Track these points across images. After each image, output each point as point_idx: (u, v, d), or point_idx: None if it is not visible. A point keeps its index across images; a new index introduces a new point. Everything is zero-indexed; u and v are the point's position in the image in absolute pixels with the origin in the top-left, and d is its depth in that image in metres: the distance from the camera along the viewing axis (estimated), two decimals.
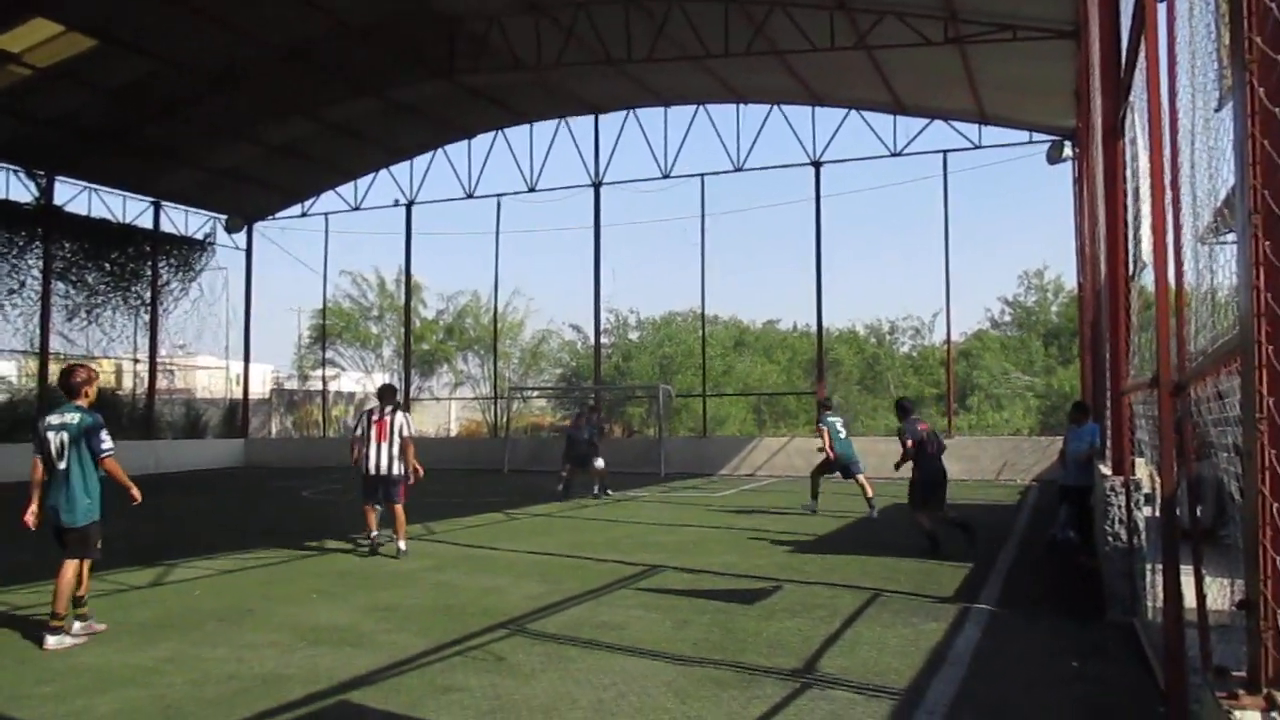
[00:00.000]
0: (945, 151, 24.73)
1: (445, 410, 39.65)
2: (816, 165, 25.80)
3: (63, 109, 23.01)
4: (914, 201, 61.95)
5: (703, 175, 27.10)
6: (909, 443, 11.11)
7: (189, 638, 6.90)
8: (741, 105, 26.26)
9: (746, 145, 26.37)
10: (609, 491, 18.39)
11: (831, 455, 15.14)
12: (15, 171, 25.23)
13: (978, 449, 23.90)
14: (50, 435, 6.87)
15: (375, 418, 11.11)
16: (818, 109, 25.74)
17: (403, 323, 34.34)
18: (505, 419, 30.32)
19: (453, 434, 38.35)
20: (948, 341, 26.53)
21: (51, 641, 6.64)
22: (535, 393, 38.24)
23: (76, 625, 6.89)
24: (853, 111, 25.29)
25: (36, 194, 25.76)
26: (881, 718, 5.07)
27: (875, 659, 6.20)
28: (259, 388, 36.24)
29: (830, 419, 15.58)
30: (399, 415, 11.21)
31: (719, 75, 24.01)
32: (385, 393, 11.54)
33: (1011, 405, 36.54)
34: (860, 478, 15.10)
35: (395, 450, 11.00)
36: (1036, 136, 24.00)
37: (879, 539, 12.30)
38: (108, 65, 21.53)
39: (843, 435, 15.44)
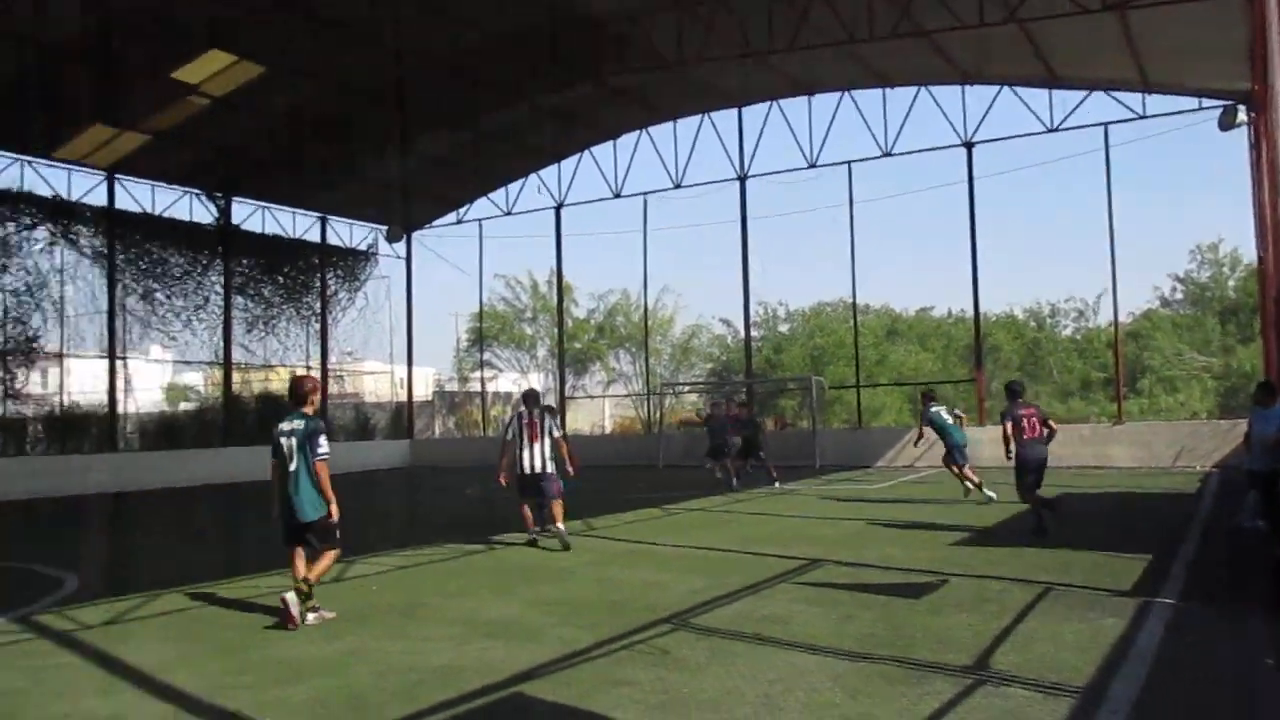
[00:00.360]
0: (1106, 124, 23.59)
1: (599, 408, 40.30)
2: (968, 146, 25.02)
3: (237, 134, 24.52)
4: (1074, 177, 59.25)
5: (850, 163, 26.68)
6: (1006, 426, 11.48)
7: (370, 631, 7.23)
8: (888, 89, 25.70)
9: (894, 130, 25.77)
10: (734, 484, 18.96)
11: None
12: (197, 195, 27.01)
13: (1151, 434, 22.75)
14: (282, 440, 7.65)
15: (526, 420, 11.64)
16: (968, 88, 24.96)
17: (556, 323, 35.07)
18: (658, 415, 30.60)
19: (607, 431, 38.95)
20: (1115, 323, 25.29)
21: (308, 618, 7.47)
22: (687, 388, 38.41)
23: (310, 617, 7.52)
24: (1005, 88, 24.43)
25: (216, 215, 27.55)
26: (1061, 716, 4.90)
27: (1051, 655, 6.00)
28: (422, 390, 37.67)
29: (934, 409, 15.77)
30: (548, 417, 11.78)
31: (864, 60, 23.58)
32: (530, 397, 12.12)
33: (1187, 387, 34.64)
34: (964, 469, 15.45)
35: (548, 450, 11.52)
36: (1206, 102, 22.59)
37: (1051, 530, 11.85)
38: (275, 90, 22.84)
39: (950, 422, 15.66)
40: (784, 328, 41.81)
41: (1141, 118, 23.28)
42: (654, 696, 5.33)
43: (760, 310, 39.80)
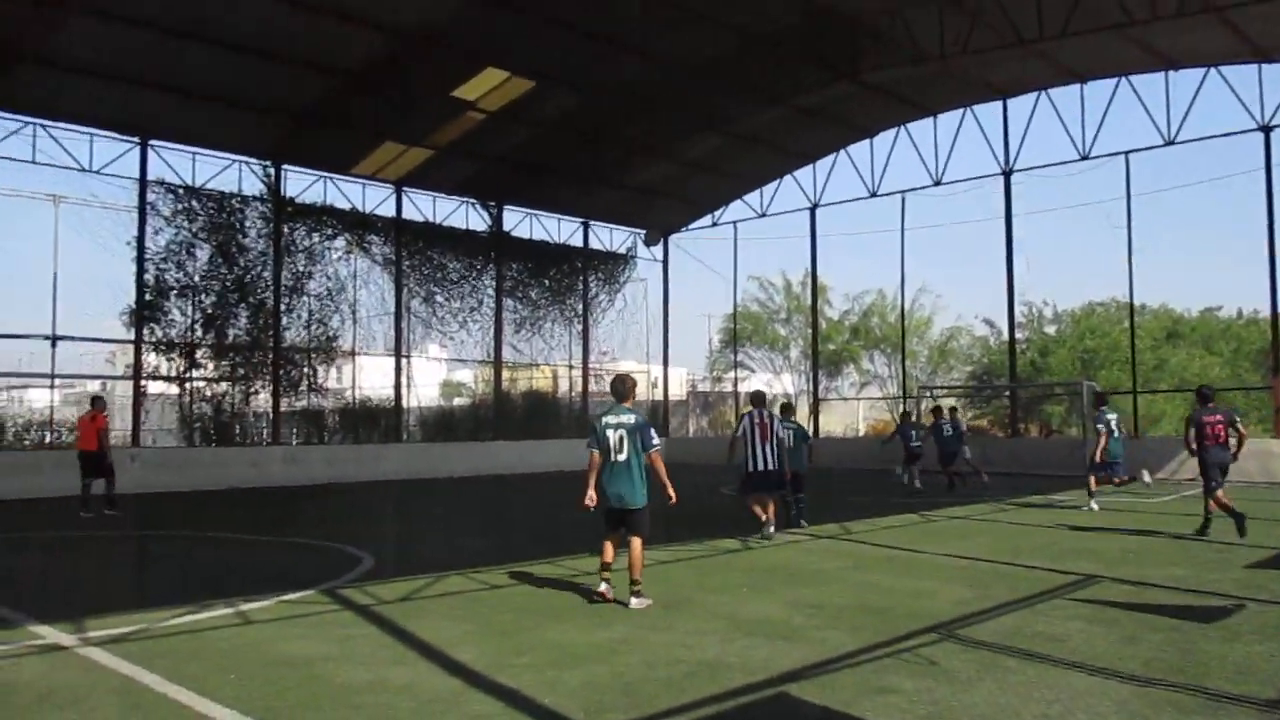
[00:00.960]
0: None
1: (853, 410, 39.72)
2: (1266, 130, 22.79)
3: (508, 145, 26.03)
4: None
5: (1127, 153, 24.94)
6: (1190, 431, 12.19)
7: (638, 622, 7.54)
8: (1171, 72, 23.80)
9: (1178, 116, 23.81)
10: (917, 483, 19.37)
11: (1100, 457, 15.26)
12: (473, 204, 28.90)
13: None
14: (609, 433, 8.19)
15: (757, 420, 12.56)
16: (1265, 67, 22.70)
17: (809, 324, 34.89)
18: (915, 418, 29.75)
19: (860, 433, 38.31)
20: None
21: (635, 603, 8.02)
22: (945, 391, 37.16)
23: (633, 601, 8.07)
24: None
25: (489, 222, 29.38)
26: None
27: None
28: (677, 390, 38.48)
29: (1107, 415, 15.34)
30: (777, 419, 12.80)
31: (1143, 42, 21.96)
32: (758, 398, 13.07)
33: None
34: (1116, 480, 15.43)
35: (779, 448, 12.52)
36: None
37: None
38: (543, 102, 24.08)
39: (1118, 435, 15.45)
40: (1050, 329, 39.62)
41: None
42: (921, 707, 5.27)
43: (1025, 311, 37.90)
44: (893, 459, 21.42)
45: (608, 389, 9.93)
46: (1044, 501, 17.00)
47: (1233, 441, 12.25)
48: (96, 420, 15.98)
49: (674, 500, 8.38)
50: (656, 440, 8.32)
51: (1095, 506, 15.45)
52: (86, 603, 8.47)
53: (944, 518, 15.09)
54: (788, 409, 14.53)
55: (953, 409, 22.77)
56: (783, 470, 12.63)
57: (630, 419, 8.24)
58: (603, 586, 8.24)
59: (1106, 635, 6.86)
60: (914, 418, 21.32)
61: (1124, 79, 24.41)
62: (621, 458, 8.18)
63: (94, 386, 30.09)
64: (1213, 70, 23.19)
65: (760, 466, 12.41)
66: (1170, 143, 24.01)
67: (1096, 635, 6.87)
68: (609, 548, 8.38)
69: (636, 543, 8.20)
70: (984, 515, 15.38)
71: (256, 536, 13.65)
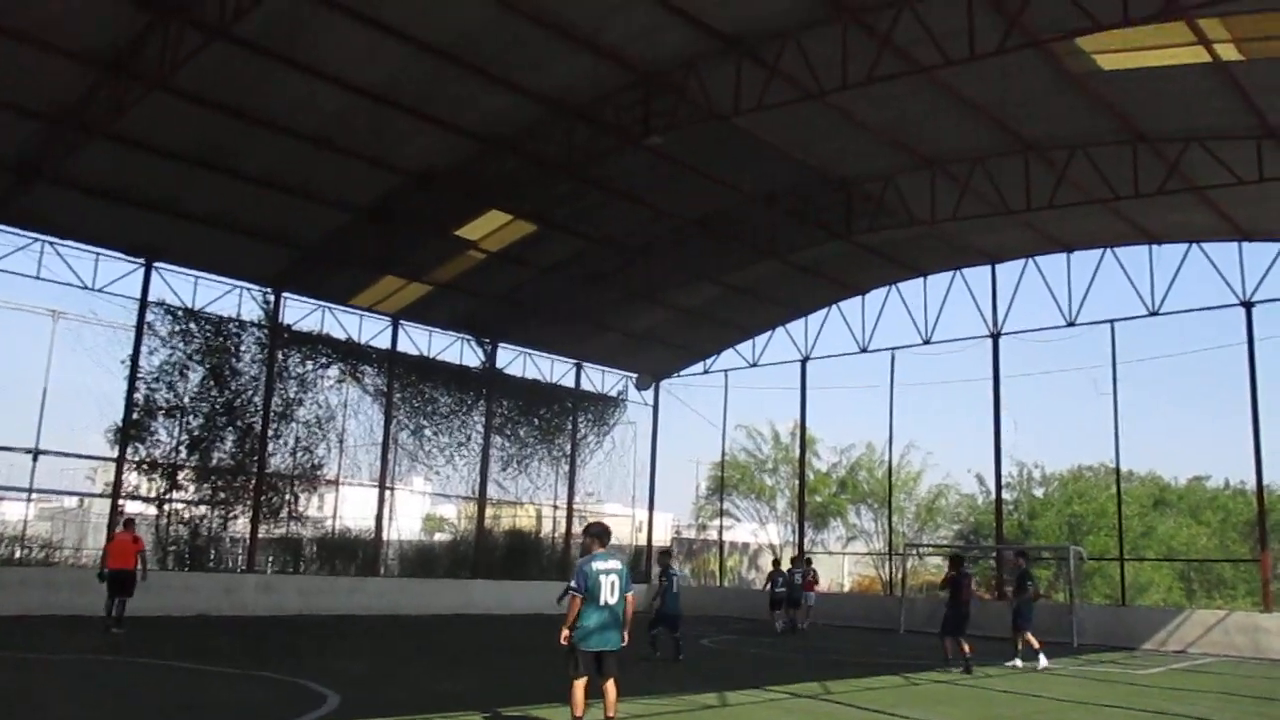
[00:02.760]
0: None
1: (838, 564, 39.23)
2: (1247, 305, 23.33)
3: (506, 284, 26.55)
4: None
5: (1113, 321, 25.41)
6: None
7: None
8: (1155, 246, 24.54)
9: (1161, 288, 24.39)
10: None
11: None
12: (467, 340, 29.22)
13: None
14: (603, 578, 8.48)
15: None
16: (1246, 244, 23.45)
17: (796, 475, 34.81)
18: (900, 576, 29.41)
19: (845, 589, 37.76)
20: None
21: None
22: (931, 549, 36.80)
23: None
24: None
25: (483, 359, 29.64)
26: None
27: None
28: (661, 535, 38.03)
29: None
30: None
31: (1128, 217, 22.75)
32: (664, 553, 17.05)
33: None
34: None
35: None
36: None
37: None
38: (544, 246, 24.70)
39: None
40: (1039, 491, 39.54)
41: None
42: None
43: (1013, 472, 37.89)
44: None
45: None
46: (1026, 667, 16.64)
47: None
48: (139, 542, 17.18)
49: (625, 643, 8.68)
50: (630, 590, 8.75)
51: (1018, 663, 16.83)
52: None
53: (926, 680, 14.75)
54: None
55: (801, 558, 27.30)
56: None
57: (618, 565, 8.60)
58: None
59: None
60: (781, 566, 25.36)
61: (1109, 250, 25.15)
62: (613, 600, 8.46)
63: (70, 503, 29.73)
64: (1195, 246, 23.92)
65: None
66: (1154, 313, 24.53)
67: None
68: (582, 694, 8.45)
69: (612, 686, 8.50)
70: (968, 680, 15.04)
71: (219, 668, 13.26)
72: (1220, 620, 22.61)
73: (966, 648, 15.91)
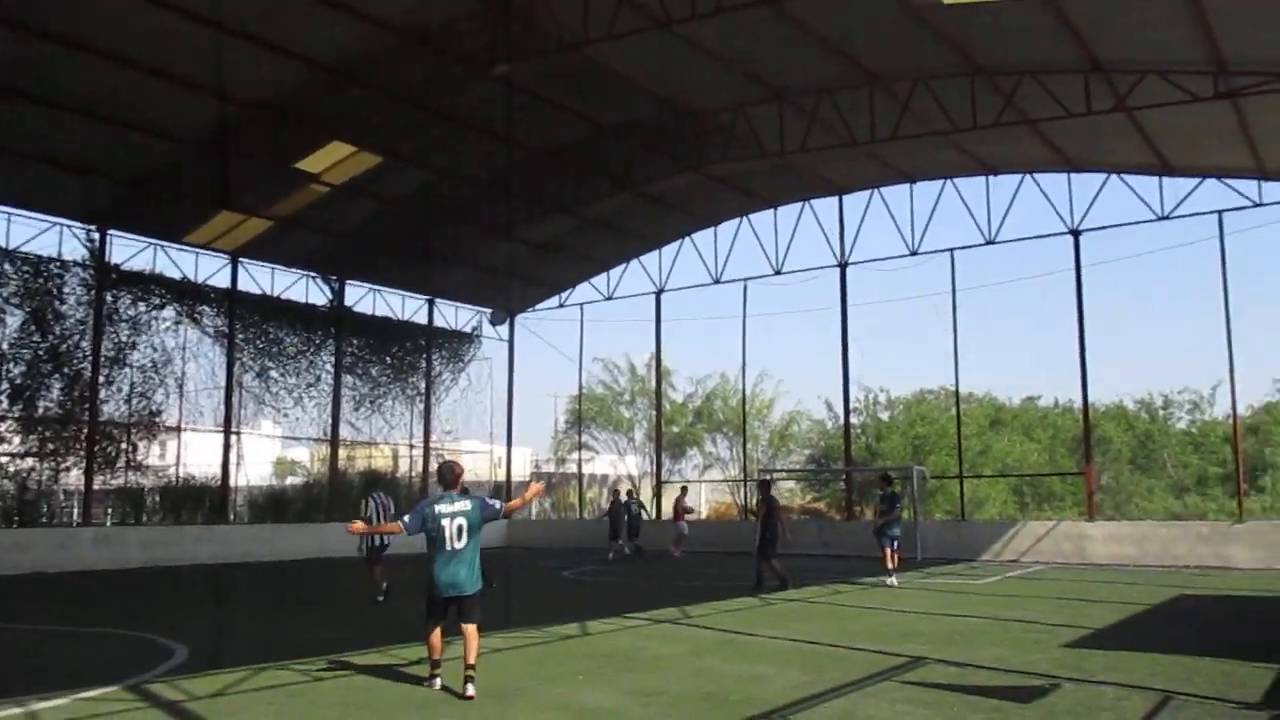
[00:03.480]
0: (1220, 211, 22.96)
1: (696, 492, 40.05)
2: (1075, 234, 24.60)
3: (353, 220, 25.61)
4: (1186, 266, 57.36)
5: (952, 250, 26.46)
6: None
7: (464, 715, 7.25)
8: (991, 177, 25.55)
9: (998, 217, 25.49)
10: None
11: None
12: (313, 278, 28.15)
13: (1275, 535, 21.58)
14: (445, 522, 8.05)
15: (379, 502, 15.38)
16: (1074, 175, 24.65)
17: (654, 406, 35.19)
18: (755, 501, 30.22)
19: (703, 516, 38.61)
20: (1234, 416, 24.26)
21: (471, 689, 7.75)
22: (785, 474, 37.97)
23: (469, 688, 7.81)
24: (1113, 176, 24.03)
25: (330, 297, 28.63)
26: None
27: None
28: (520, 470, 38.00)
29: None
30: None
31: (966, 149, 23.55)
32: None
33: None
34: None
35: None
36: None
37: (1169, 634, 11.31)
38: (390, 178, 23.84)
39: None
40: (884, 415, 41.17)
41: (1258, 205, 22.64)
42: None
43: (860, 397, 39.29)
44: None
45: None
46: (876, 583, 17.40)
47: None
48: None
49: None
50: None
51: (893, 581, 17.14)
52: None
53: (780, 600, 15.25)
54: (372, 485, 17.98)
55: (630, 491, 28.84)
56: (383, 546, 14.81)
57: (466, 505, 8.17)
58: (436, 682, 8.11)
59: (932, 717, 6.98)
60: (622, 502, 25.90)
61: (949, 181, 26.04)
62: (460, 545, 8.08)
63: None
64: (1029, 177, 24.99)
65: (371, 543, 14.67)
66: (991, 242, 25.63)
67: (923, 717, 6.98)
68: (438, 640, 8.22)
69: (473, 629, 8.04)
70: (820, 598, 15.63)
71: (57, 626, 12.59)
72: (1050, 530, 24.15)
73: (777, 565, 16.74)
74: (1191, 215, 23.37)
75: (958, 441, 28.80)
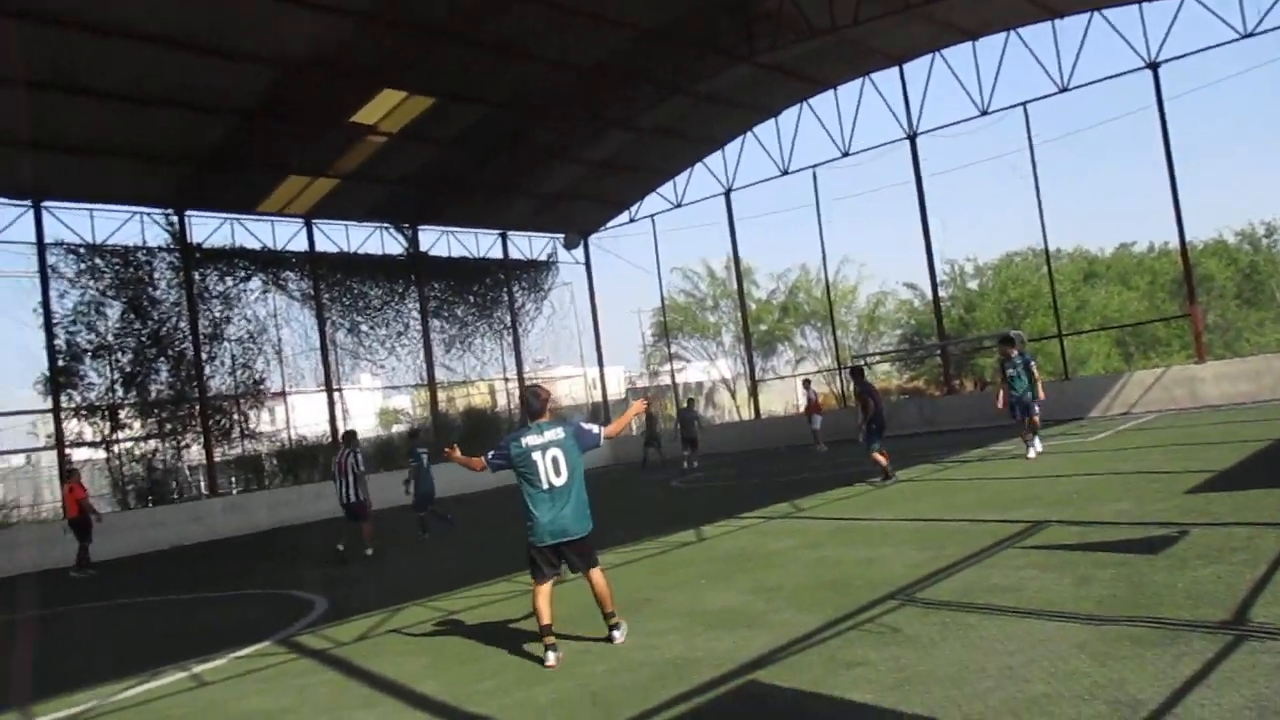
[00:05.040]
0: None
1: (791, 387, 40.00)
2: (1154, 67, 23.38)
3: (415, 165, 25.72)
4: (1275, 85, 54.35)
5: (1025, 104, 25.44)
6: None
7: (599, 627, 7.43)
8: (1057, 20, 24.35)
9: (1069, 63, 24.36)
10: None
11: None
12: (387, 229, 28.50)
13: None
14: (537, 455, 6.81)
15: (338, 459, 15.26)
16: (1146, 5, 23.31)
17: (738, 308, 35.03)
18: (853, 391, 30.07)
19: (801, 409, 38.58)
20: None
21: (619, 636, 6.95)
22: (878, 358, 37.64)
23: (616, 634, 6.99)
24: None
25: (406, 245, 29.00)
26: None
27: None
28: (615, 389, 38.42)
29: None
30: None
31: None
32: (349, 437, 16.35)
33: None
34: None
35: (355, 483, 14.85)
36: None
37: None
38: (445, 118, 23.82)
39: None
40: (973, 284, 40.34)
41: None
42: (890, 676, 5.27)
43: (947, 269, 38.53)
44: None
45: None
46: (985, 453, 17.24)
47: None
48: (74, 491, 17.44)
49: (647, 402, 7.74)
50: (597, 428, 7.22)
51: (1031, 453, 15.29)
52: (32, 684, 8.12)
53: (890, 483, 15.22)
54: (414, 435, 18.58)
55: (690, 400, 28.38)
56: (359, 502, 14.80)
57: (559, 433, 6.91)
58: (550, 657, 6.61)
59: (1060, 579, 6.94)
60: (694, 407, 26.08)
61: (1014, 32, 24.90)
62: (560, 481, 6.81)
63: (18, 460, 29.14)
64: (1097, 14, 23.74)
65: (342, 499, 14.81)
66: (1064, 89, 24.55)
67: (1050, 581, 6.95)
68: (545, 602, 6.77)
69: (599, 575, 6.94)
70: (929, 476, 15.54)
71: (204, 594, 13.29)
72: (1158, 378, 23.53)
73: (882, 458, 14.86)
74: (1277, 29, 21.97)
75: (1052, 300, 28.06)
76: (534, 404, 7.09)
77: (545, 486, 6.81)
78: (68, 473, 18.58)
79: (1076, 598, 6.36)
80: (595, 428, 7.21)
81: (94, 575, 16.90)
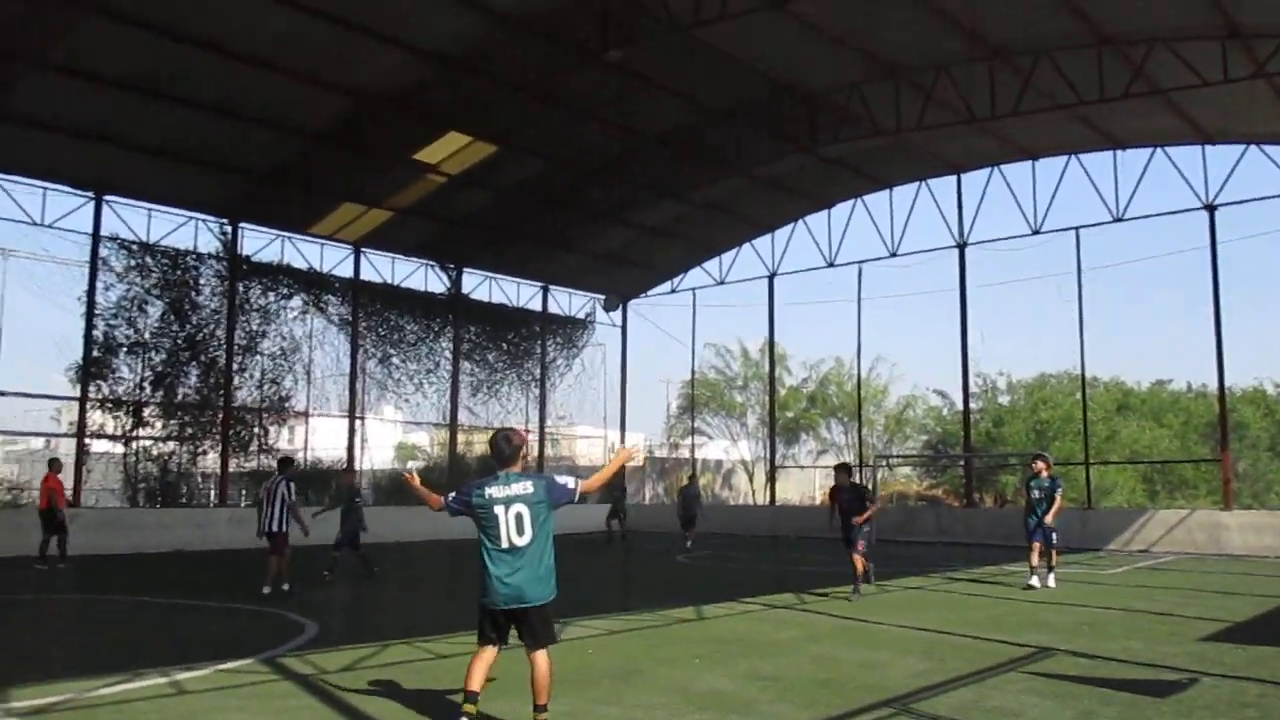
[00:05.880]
0: None
1: (809, 478, 39.72)
2: (1210, 209, 23.41)
3: (469, 208, 26.12)
4: None
5: (1077, 229, 25.48)
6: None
7: (585, 694, 7.33)
8: (1119, 151, 24.50)
9: (1126, 194, 24.43)
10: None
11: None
12: (432, 266, 28.86)
13: None
14: (499, 510, 6.05)
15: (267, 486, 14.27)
16: (1209, 148, 23.44)
17: (767, 391, 34.98)
18: (871, 487, 29.81)
19: (817, 501, 38.26)
20: None
21: None
22: (900, 460, 37.35)
23: None
24: (1252, 146, 22.75)
25: (448, 284, 29.32)
26: None
27: None
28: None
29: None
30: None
31: (1092, 122, 22.65)
32: (284, 463, 15.04)
33: None
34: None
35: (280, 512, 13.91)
36: None
37: None
38: (506, 167, 24.24)
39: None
40: (1004, 399, 40.07)
41: None
42: None
43: (979, 382, 38.31)
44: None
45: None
46: (997, 572, 16.97)
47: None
48: (48, 480, 17.24)
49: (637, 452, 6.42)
50: (573, 482, 6.27)
51: (1051, 583, 14.44)
52: (10, 670, 8.09)
53: (899, 587, 15.01)
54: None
55: (691, 476, 27.44)
56: (281, 533, 13.72)
57: (527, 487, 6.11)
58: None
59: (1061, 710, 6.77)
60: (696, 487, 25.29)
61: (1074, 157, 25.07)
62: (522, 541, 6.02)
63: (37, 444, 29.40)
64: (1159, 150, 23.88)
65: (263, 528, 13.82)
66: (1119, 219, 24.60)
67: (1051, 710, 6.78)
68: (482, 667, 6.12)
69: (543, 659, 6.09)
70: (938, 586, 15.32)
71: (197, 601, 13.24)
72: (1182, 519, 23.15)
73: (860, 561, 13.72)
74: None
75: (1083, 426, 27.77)
76: (504, 449, 6.25)
77: (505, 545, 6.03)
78: (50, 462, 18.41)
79: None
80: (571, 481, 6.27)
81: (63, 570, 16.53)
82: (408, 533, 25.73)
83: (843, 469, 14.69)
